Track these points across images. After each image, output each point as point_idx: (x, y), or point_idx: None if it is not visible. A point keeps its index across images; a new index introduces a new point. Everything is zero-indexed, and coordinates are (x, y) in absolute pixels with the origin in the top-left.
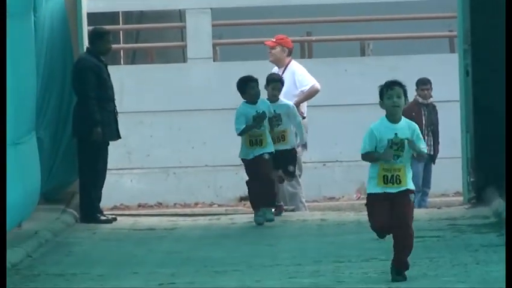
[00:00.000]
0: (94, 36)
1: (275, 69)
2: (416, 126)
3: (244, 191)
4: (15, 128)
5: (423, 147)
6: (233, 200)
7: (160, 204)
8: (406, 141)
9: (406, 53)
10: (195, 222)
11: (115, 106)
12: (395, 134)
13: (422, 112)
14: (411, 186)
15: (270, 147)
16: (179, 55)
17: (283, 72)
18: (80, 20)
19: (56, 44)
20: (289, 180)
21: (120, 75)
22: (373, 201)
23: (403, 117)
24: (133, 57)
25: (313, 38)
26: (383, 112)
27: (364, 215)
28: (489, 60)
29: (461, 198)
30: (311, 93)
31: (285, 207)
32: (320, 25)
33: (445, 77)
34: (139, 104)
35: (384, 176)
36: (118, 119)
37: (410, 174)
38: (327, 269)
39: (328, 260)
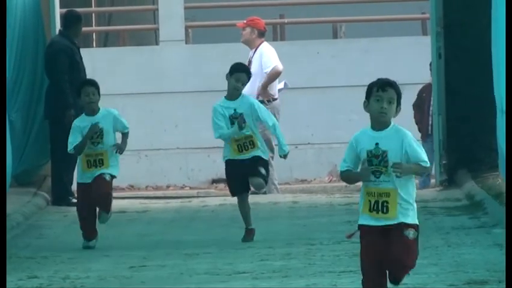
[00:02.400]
0: (72, 19)
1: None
2: (408, 132)
3: (216, 173)
4: None
5: (422, 159)
6: (205, 183)
7: (132, 186)
8: (387, 154)
9: (379, 36)
10: (166, 205)
11: None
12: (376, 144)
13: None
14: (408, 219)
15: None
16: (151, 37)
17: (253, 54)
18: (53, 2)
19: (27, 26)
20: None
21: (92, 58)
22: (362, 236)
23: (392, 123)
24: (106, 40)
25: (286, 20)
26: (356, 94)
27: (335, 198)
28: (462, 43)
29: (433, 181)
30: (273, 75)
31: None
32: (293, 7)
33: (417, 60)
34: (112, 86)
35: (369, 202)
36: None
37: (407, 206)
38: (298, 251)
39: (299, 242)
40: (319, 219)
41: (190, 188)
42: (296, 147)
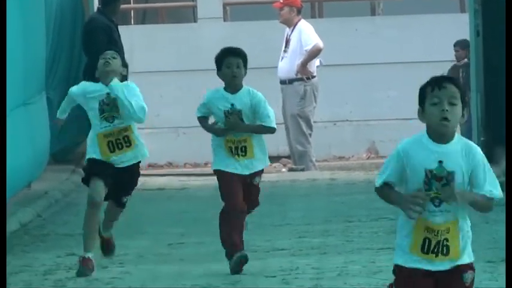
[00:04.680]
0: None
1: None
2: (480, 149)
3: None
4: (25, 88)
5: (489, 190)
6: None
7: (170, 164)
8: (454, 176)
9: (416, 13)
10: (205, 182)
11: None
12: (440, 162)
13: (460, 74)
14: (467, 258)
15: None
16: (189, 15)
17: (291, 32)
18: None
19: (65, 4)
20: None
21: (130, 35)
22: (406, 281)
23: (457, 135)
24: (144, 17)
25: None
26: (394, 71)
27: (373, 175)
28: (499, 20)
29: None
30: (314, 52)
31: (294, 166)
32: None
33: (456, 37)
34: (149, 64)
35: (424, 241)
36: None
37: (467, 237)
38: (336, 228)
39: (337, 219)
40: (357, 196)
41: None
42: (334, 124)
